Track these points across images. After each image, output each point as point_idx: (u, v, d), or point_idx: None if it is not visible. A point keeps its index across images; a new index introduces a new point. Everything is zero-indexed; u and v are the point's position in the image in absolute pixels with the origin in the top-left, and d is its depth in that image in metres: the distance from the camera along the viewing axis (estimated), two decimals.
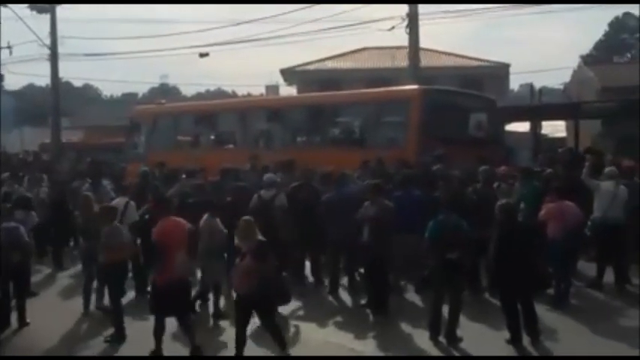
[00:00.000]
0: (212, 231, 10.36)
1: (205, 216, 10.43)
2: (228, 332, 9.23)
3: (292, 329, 9.72)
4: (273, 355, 8.38)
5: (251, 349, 8.39)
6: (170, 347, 8.77)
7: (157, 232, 8.71)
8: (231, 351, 8.32)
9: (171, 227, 8.75)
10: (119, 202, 11.61)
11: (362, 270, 11.40)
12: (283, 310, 9.46)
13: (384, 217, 10.18)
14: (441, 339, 8.89)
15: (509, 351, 8.50)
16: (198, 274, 10.81)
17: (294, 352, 8.52)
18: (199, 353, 8.59)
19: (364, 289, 10.82)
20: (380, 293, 10.28)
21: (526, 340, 8.66)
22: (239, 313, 8.24)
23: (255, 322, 8.36)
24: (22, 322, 10.09)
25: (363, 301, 10.66)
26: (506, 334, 8.71)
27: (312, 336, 9.51)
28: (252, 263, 7.99)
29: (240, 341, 8.13)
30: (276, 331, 8.25)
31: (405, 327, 9.69)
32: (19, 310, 10.11)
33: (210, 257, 10.36)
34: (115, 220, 10.04)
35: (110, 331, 9.41)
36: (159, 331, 8.58)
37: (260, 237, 8.24)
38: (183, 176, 14.13)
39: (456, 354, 8.59)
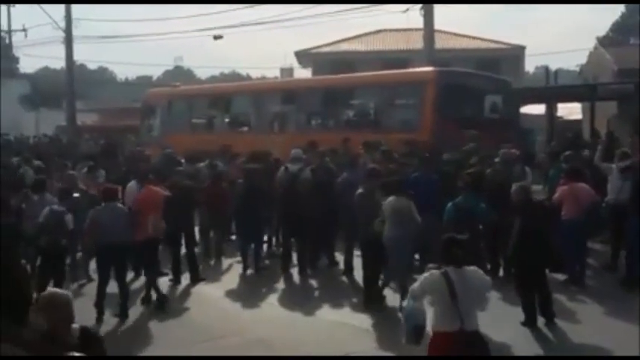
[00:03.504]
0: (402, 216, 9.07)
1: (391, 197, 9.28)
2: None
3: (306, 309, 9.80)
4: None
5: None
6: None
7: (134, 200, 10.39)
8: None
9: (146, 195, 10.21)
10: (135, 183, 11.61)
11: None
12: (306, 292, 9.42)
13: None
14: None
15: (524, 333, 8.53)
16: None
17: (307, 333, 8.59)
18: (164, 307, 9.74)
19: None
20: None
21: (541, 322, 8.69)
22: None
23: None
24: None
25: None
26: (522, 316, 8.74)
27: (327, 317, 9.55)
28: None
29: None
30: None
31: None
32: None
33: (394, 249, 9.15)
34: (113, 199, 9.94)
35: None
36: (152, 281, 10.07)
37: None
38: (182, 160, 14.03)
39: None
